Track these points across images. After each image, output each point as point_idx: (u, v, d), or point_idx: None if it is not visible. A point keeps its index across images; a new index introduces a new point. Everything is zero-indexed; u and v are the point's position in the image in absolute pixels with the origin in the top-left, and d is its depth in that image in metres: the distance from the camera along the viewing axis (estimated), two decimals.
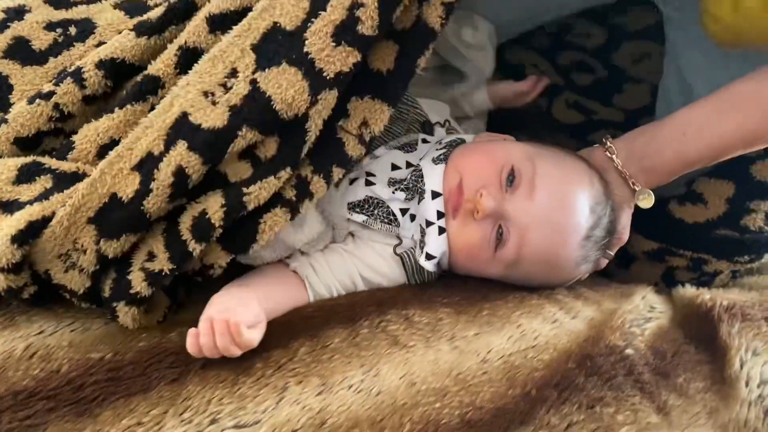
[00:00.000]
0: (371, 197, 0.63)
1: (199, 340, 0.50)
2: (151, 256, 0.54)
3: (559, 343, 0.57)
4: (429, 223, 0.61)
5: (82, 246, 0.53)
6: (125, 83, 0.61)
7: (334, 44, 0.53)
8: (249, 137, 0.52)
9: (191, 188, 0.53)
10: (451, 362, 0.54)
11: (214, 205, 0.53)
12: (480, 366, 0.54)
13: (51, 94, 0.58)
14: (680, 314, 0.70)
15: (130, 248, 0.54)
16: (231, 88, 0.53)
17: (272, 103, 0.52)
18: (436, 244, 0.61)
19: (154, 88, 0.58)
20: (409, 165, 0.65)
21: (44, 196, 0.53)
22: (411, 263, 0.64)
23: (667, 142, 0.65)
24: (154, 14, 0.61)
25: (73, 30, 0.64)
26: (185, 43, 0.58)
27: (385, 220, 0.64)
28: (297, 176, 0.56)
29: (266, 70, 0.53)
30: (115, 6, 0.68)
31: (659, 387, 0.55)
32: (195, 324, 0.55)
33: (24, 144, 0.59)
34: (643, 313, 0.67)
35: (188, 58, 0.57)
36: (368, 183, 0.64)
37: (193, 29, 0.58)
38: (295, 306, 0.60)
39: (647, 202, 0.66)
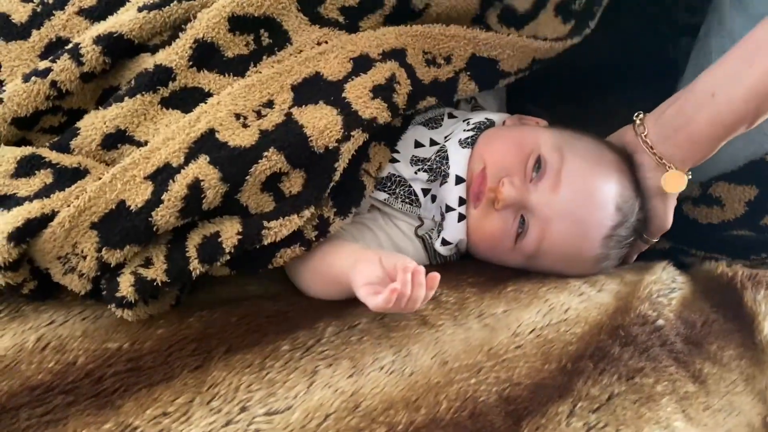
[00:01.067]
0: (393, 175, 0.63)
1: (381, 303, 0.46)
2: (148, 262, 0.53)
3: (590, 316, 0.57)
4: (449, 209, 0.61)
5: (82, 251, 0.51)
6: (124, 60, 0.60)
7: (371, 96, 0.58)
8: (275, 160, 0.53)
9: (207, 210, 0.53)
10: (482, 339, 0.54)
11: (229, 230, 0.53)
12: (512, 340, 0.54)
13: (47, 71, 0.56)
14: (702, 285, 0.70)
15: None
16: (265, 115, 0.55)
17: (304, 129, 0.54)
18: (453, 231, 0.61)
19: (165, 78, 0.57)
20: (433, 143, 0.65)
21: (44, 192, 0.52)
22: (431, 245, 0.64)
23: (696, 108, 0.60)
24: None
25: None
26: (203, 37, 0.58)
27: (406, 200, 0.63)
28: (319, 216, 0.57)
29: (303, 106, 0.56)
30: None
31: (693, 356, 0.55)
32: (211, 306, 0.56)
33: (22, 123, 0.57)
34: (667, 283, 0.66)
35: (204, 52, 0.58)
36: (392, 160, 0.63)
37: (213, 25, 0.58)
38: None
39: (674, 183, 0.62)
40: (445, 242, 0.61)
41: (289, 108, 0.56)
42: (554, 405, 0.49)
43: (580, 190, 0.59)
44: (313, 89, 0.57)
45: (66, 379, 0.49)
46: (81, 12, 0.62)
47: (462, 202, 0.61)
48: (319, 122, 0.54)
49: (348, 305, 0.56)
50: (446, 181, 0.61)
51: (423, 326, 0.55)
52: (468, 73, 0.66)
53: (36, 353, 0.51)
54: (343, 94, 0.57)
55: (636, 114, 0.66)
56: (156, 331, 0.53)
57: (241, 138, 0.53)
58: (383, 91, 0.58)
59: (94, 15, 0.62)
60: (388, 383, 0.49)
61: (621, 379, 0.50)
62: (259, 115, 0.55)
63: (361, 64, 0.59)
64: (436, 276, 0.47)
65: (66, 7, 0.62)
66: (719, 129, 0.60)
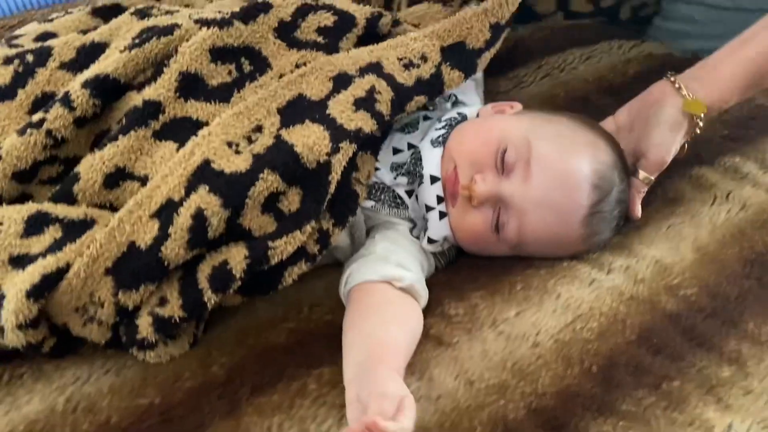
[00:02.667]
0: (376, 182, 0.64)
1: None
2: (163, 301, 0.53)
3: (603, 306, 0.57)
4: (429, 208, 0.62)
5: (99, 299, 0.52)
6: (113, 102, 0.61)
7: (354, 109, 0.59)
8: (270, 180, 0.54)
9: (212, 239, 0.53)
10: (501, 352, 0.55)
11: (236, 256, 0.53)
12: (532, 351, 0.54)
13: (41, 121, 0.57)
14: None
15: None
16: (256, 140, 0.56)
17: (295, 148, 0.55)
18: (437, 229, 0.62)
19: (155, 112, 0.58)
20: (410, 146, 0.66)
21: (56, 246, 0.52)
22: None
23: (723, 54, 0.67)
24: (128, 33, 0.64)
25: (30, 57, 0.64)
26: (187, 69, 0.59)
27: (392, 204, 0.64)
28: (318, 229, 0.58)
29: (291, 127, 0.57)
30: (69, 24, 0.71)
31: (727, 336, 0.55)
32: (229, 345, 0.57)
33: (21, 177, 0.58)
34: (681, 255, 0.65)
35: (189, 83, 0.60)
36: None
37: (196, 57, 0.60)
38: (418, 327, 0.57)
39: (693, 106, 0.65)
40: (431, 240, 0.62)
41: (278, 130, 0.57)
42: (594, 422, 0.49)
43: (551, 177, 0.59)
44: (298, 110, 0.58)
45: None
46: (62, 66, 0.63)
47: (440, 200, 0.62)
48: (308, 139, 0.55)
49: None
50: (422, 182, 0.62)
51: (439, 346, 0.55)
52: (447, 63, 0.67)
53: (68, 415, 0.51)
54: (327, 111, 0.58)
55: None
56: (183, 383, 0.54)
57: (236, 164, 0.54)
58: (365, 103, 0.60)
59: (75, 67, 0.63)
60: (419, 409, 0.48)
61: (651, 389, 0.50)
62: (250, 141, 0.56)
63: (341, 81, 0.61)
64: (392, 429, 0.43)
65: (47, 63, 0.63)
66: (743, 70, 0.67)
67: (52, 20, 0.74)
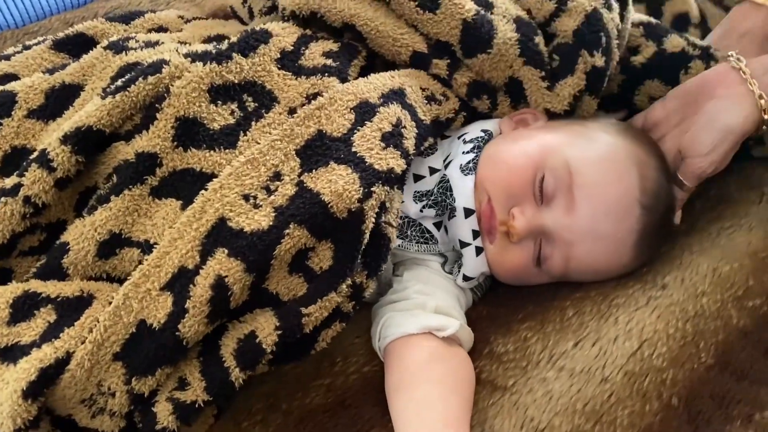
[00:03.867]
0: (400, 216, 0.60)
1: None
2: (183, 383, 0.51)
3: (669, 327, 0.55)
4: (463, 244, 0.60)
5: (109, 389, 0.49)
6: (97, 157, 0.57)
7: (383, 145, 0.56)
8: (297, 236, 0.51)
9: (236, 309, 0.51)
10: (567, 392, 0.52)
11: (266, 327, 0.51)
12: (602, 388, 0.52)
13: (17, 187, 0.53)
14: None
15: None
16: (275, 190, 0.53)
17: (321, 196, 0.52)
18: (473, 266, 0.60)
19: (151, 166, 0.55)
20: (432, 171, 0.63)
21: (52, 333, 0.49)
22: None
23: None
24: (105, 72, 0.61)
25: None
26: (184, 114, 0.56)
27: (421, 240, 0.62)
28: (351, 285, 0.55)
29: (313, 171, 0.54)
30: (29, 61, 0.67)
31: None
32: (260, 414, 0.54)
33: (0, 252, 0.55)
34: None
35: (187, 130, 0.57)
36: None
37: (193, 99, 0.57)
38: (472, 378, 0.55)
39: None
40: (466, 278, 0.60)
41: (299, 176, 0.54)
42: None
43: (597, 205, 0.57)
44: (319, 150, 0.56)
45: None
46: (31, 114, 0.60)
47: (476, 234, 0.60)
48: (336, 185, 0.53)
49: None
50: (454, 215, 0.60)
51: (494, 392, 0.53)
52: (463, 113, 0.66)
53: None
54: (353, 149, 0.55)
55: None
56: None
57: (257, 221, 0.51)
58: (393, 138, 0.57)
59: (45, 114, 0.60)
60: None
61: (745, 422, 0.49)
62: (269, 191, 0.53)
63: (364, 111, 0.58)
64: None
65: (12, 113, 0.59)
66: None
67: (9, 57, 0.69)
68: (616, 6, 0.67)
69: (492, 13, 0.65)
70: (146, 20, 0.72)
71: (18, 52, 0.69)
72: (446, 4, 0.63)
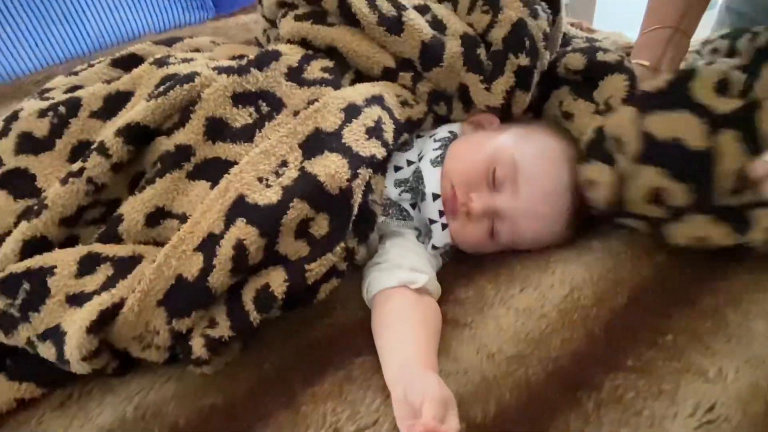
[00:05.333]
0: (384, 199, 0.61)
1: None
2: (213, 323, 0.51)
3: (593, 276, 0.56)
4: (432, 221, 0.60)
5: (155, 328, 0.49)
6: (144, 147, 0.57)
7: (367, 137, 0.57)
8: (299, 208, 0.51)
9: (253, 265, 0.51)
10: (514, 326, 0.53)
11: (276, 280, 0.51)
12: (541, 322, 0.52)
13: (81, 170, 0.54)
14: None
15: None
16: (283, 174, 0.54)
17: (318, 177, 0.53)
18: (440, 238, 0.60)
19: (187, 155, 0.56)
20: (409, 163, 0.63)
21: (110, 284, 0.50)
22: None
23: None
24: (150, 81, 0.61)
25: (62, 109, 0.60)
26: (212, 114, 0.57)
27: (400, 217, 0.62)
28: (345, 248, 0.55)
29: (312, 159, 0.55)
30: (92, 76, 0.67)
31: (701, 292, 0.54)
32: (276, 344, 0.54)
33: (68, 222, 0.54)
34: None
35: (215, 127, 0.57)
36: None
37: (219, 103, 0.58)
38: (438, 319, 0.55)
39: None
40: (434, 247, 0.60)
41: (301, 163, 0.54)
42: (606, 377, 0.48)
43: (536, 191, 0.58)
44: (317, 143, 0.56)
45: None
46: (92, 115, 0.60)
47: (441, 214, 0.60)
48: (329, 168, 0.53)
49: None
50: (425, 199, 0.60)
51: (457, 328, 0.54)
52: (432, 114, 0.67)
53: (138, 422, 0.49)
54: (343, 140, 0.56)
55: None
56: (240, 383, 0.51)
57: (268, 197, 0.51)
58: (375, 132, 0.57)
59: (104, 115, 0.60)
60: (451, 384, 0.47)
61: (650, 345, 0.50)
62: (278, 175, 0.53)
63: (351, 112, 0.58)
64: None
65: (78, 114, 0.60)
66: None
67: (77, 73, 0.70)
68: (543, 14, 0.64)
69: (445, 34, 0.64)
70: (185, 44, 0.72)
71: (84, 69, 0.69)
72: (408, 29, 0.63)
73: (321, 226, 0.53)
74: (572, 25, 0.75)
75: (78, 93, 0.62)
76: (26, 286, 0.50)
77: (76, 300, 0.49)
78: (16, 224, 0.54)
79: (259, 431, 0.47)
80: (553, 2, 0.66)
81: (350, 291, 0.58)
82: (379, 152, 0.56)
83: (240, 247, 0.48)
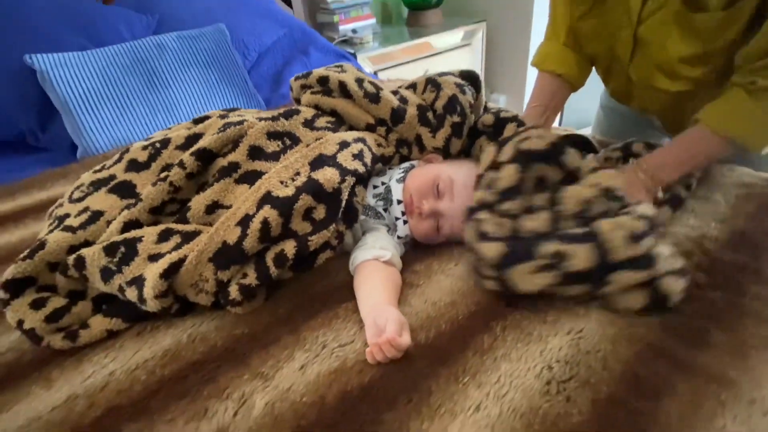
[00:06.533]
0: (366, 204, 0.67)
1: (374, 357, 0.48)
2: (245, 276, 0.55)
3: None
4: (397, 219, 0.66)
5: (205, 277, 0.54)
6: (208, 164, 0.64)
7: (352, 159, 0.62)
8: (306, 200, 0.56)
9: (274, 236, 0.55)
10: (450, 286, 0.58)
11: (289, 247, 0.55)
12: (466, 283, 0.59)
13: (166, 177, 0.62)
14: None
15: None
16: (296, 179, 0.59)
17: (319, 180, 0.58)
18: (402, 231, 0.65)
19: (235, 168, 0.62)
20: (383, 183, 0.69)
21: (177, 247, 0.55)
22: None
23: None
24: (215, 126, 0.67)
25: (158, 144, 0.68)
26: (254, 143, 0.64)
27: (376, 217, 0.67)
28: (336, 230, 0.59)
29: (316, 170, 0.59)
30: (179, 129, 0.73)
31: None
32: (288, 297, 0.59)
33: (155, 211, 0.61)
34: None
35: (255, 152, 0.64)
36: None
37: (259, 137, 0.64)
38: (399, 281, 0.60)
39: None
40: (399, 237, 0.65)
41: (309, 173, 0.59)
42: (510, 313, 0.54)
43: (463, 199, 0.63)
44: (320, 162, 0.61)
45: (213, 355, 0.52)
46: (177, 147, 0.67)
47: (403, 214, 0.65)
48: (327, 175, 0.58)
49: None
50: (392, 204, 0.66)
51: (411, 288, 0.59)
52: (398, 154, 0.74)
53: (189, 344, 0.54)
54: (337, 160, 0.61)
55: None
56: (262, 319, 0.56)
57: (286, 192, 0.56)
58: (358, 157, 0.63)
59: (184, 148, 0.67)
60: (410, 321, 0.53)
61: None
62: (293, 180, 0.59)
63: (344, 145, 0.64)
64: (403, 342, 0.48)
65: (168, 146, 0.68)
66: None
67: (170, 128, 0.78)
68: (469, 92, 0.73)
69: (407, 104, 0.73)
70: (237, 112, 0.78)
71: (175, 126, 0.77)
72: (383, 100, 0.71)
73: (320, 213, 0.58)
74: (487, 101, 0.85)
75: (169, 134, 0.70)
76: (122, 249, 0.56)
77: (155, 258, 0.55)
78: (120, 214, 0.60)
79: (272, 349, 0.52)
80: (476, 86, 0.76)
81: (340, 265, 0.64)
82: (360, 168, 0.62)
83: (266, 223, 0.54)
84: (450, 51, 2.08)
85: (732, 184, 0.72)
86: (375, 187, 0.70)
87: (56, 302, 0.56)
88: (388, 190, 0.68)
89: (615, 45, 0.73)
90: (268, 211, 0.55)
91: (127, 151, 0.69)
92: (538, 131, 0.63)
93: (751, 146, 0.63)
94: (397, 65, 1.93)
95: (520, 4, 2.02)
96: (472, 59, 2.17)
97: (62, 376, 0.52)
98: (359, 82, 0.74)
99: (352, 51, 1.82)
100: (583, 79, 0.83)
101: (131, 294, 0.55)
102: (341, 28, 1.96)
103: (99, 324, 0.56)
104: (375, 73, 1.87)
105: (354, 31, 1.94)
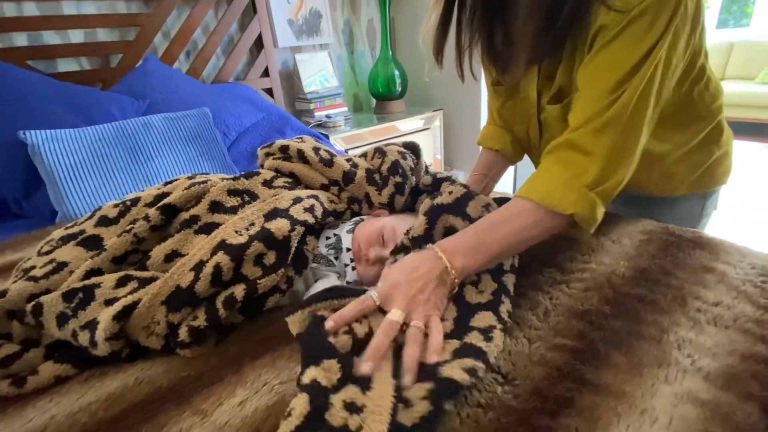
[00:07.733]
0: (318, 254, 0.69)
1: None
2: (195, 318, 0.55)
3: None
4: (346, 265, 0.67)
5: (157, 320, 0.54)
6: (172, 218, 0.66)
7: (304, 211, 0.66)
8: (257, 247, 0.58)
9: (225, 281, 0.56)
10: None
11: (239, 290, 0.56)
12: None
13: (131, 229, 0.63)
14: None
15: None
16: (249, 229, 0.61)
17: (271, 229, 0.60)
18: (351, 276, 0.67)
19: (196, 220, 0.65)
20: (335, 234, 0.72)
21: (134, 291, 0.56)
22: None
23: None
24: (181, 185, 0.70)
25: (129, 202, 0.71)
26: (214, 199, 0.67)
27: (327, 264, 0.68)
28: (286, 275, 0.61)
29: (270, 221, 0.62)
30: (150, 190, 0.75)
31: None
32: (237, 340, 0.57)
33: (117, 260, 0.62)
34: None
35: (216, 206, 0.67)
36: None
37: (219, 194, 0.68)
38: None
39: None
40: (348, 282, 0.66)
41: (262, 224, 0.61)
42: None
43: None
44: (274, 214, 0.63)
45: (156, 395, 0.51)
46: (146, 205, 0.70)
47: (352, 260, 0.67)
48: (278, 225, 0.60)
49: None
50: (342, 252, 0.67)
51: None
52: (350, 210, 0.77)
53: (136, 386, 0.52)
54: (290, 212, 0.64)
55: None
56: (210, 361, 0.56)
57: (239, 240, 0.58)
58: (309, 210, 0.66)
59: (152, 205, 0.70)
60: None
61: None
62: (247, 229, 0.61)
63: (297, 200, 0.68)
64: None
65: (137, 204, 0.70)
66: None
67: (142, 190, 0.80)
68: (410, 158, 0.79)
69: (357, 168, 0.76)
70: (205, 176, 0.81)
71: (147, 188, 0.79)
72: (336, 164, 0.76)
73: (270, 258, 0.59)
74: (428, 166, 0.91)
75: (140, 194, 0.72)
76: (80, 294, 0.55)
77: (110, 302, 0.55)
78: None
79: (215, 388, 0.50)
80: (416, 154, 0.82)
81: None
82: (310, 219, 0.65)
83: (218, 267, 0.55)
84: (413, 133, 2.24)
85: (637, 231, 0.78)
86: (327, 238, 0.72)
87: (8, 349, 0.55)
88: (339, 240, 0.70)
89: (528, 128, 0.81)
90: (221, 257, 0.56)
91: (100, 209, 0.72)
92: (451, 187, 0.67)
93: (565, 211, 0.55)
94: (367, 144, 2.06)
95: (470, 96, 2.24)
96: (432, 141, 2.33)
97: (3, 421, 0.50)
98: (316, 150, 0.80)
99: (325, 133, 1.95)
100: (518, 153, 0.88)
101: (83, 338, 0.54)
102: (317, 114, 2.11)
103: (48, 370, 0.55)
104: (346, 150, 1.97)
105: (328, 116, 2.09)
